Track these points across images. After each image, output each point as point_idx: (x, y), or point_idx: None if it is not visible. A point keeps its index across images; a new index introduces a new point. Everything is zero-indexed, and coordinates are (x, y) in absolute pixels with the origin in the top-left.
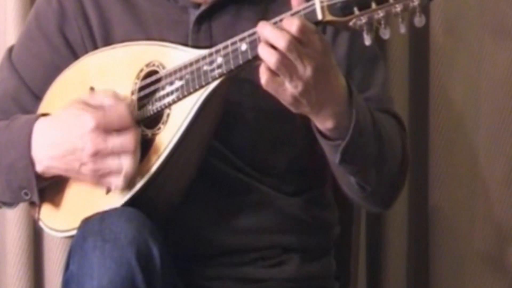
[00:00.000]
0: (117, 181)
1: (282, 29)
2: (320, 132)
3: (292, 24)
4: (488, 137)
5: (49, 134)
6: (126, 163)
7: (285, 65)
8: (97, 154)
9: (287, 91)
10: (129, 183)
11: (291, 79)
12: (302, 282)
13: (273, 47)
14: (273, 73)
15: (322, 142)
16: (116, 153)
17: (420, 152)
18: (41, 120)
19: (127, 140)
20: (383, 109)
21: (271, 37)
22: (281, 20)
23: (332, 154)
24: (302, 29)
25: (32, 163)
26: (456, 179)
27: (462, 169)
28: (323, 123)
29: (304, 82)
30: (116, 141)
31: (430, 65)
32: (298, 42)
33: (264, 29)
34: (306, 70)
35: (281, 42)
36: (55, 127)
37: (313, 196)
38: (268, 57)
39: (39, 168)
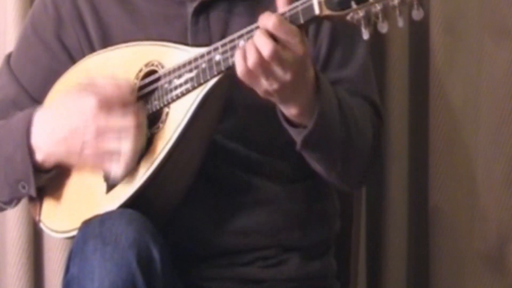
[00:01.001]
0: (117, 166)
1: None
2: (284, 117)
3: (268, 20)
4: (488, 137)
5: (50, 120)
6: (125, 145)
7: (263, 69)
8: (99, 131)
9: (262, 86)
10: (128, 173)
11: (267, 79)
12: (302, 282)
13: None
14: (249, 69)
15: (285, 126)
16: (118, 131)
17: (420, 152)
18: (40, 110)
19: (129, 114)
20: (357, 93)
21: (258, 42)
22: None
23: (295, 139)
24: (277, 26)
25: (30, 153)
26: (456, 180)
27: (462, 169)
28: (288, 110)
29: (281, 84)
30: (118, 118)
31: (430, 65)
32: (280, 45)
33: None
34: (285, 75)
35: (265, 50)
36: (56, 112)
37: (313, 185)
38: (249, 55)
39: (39, 156)
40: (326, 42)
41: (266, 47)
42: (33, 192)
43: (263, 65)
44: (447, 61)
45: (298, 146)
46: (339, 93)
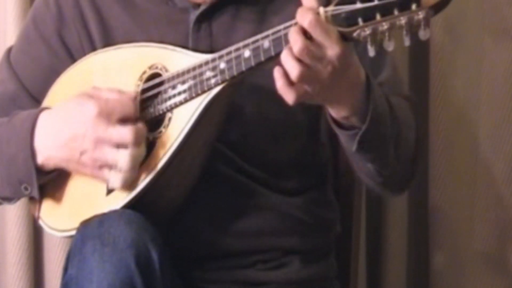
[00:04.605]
0: (115, 178)
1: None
2: (335, 121)
3: (304, 18)
4: (488, 137)
5: (52, 124)
6: (122, 157)
7: (302, 73)
8: (98, 142)
9: (308, 94)
10: (127, 184)
11: (309, 84)
12: (303, 284)
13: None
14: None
15: (337, 131)
16: (116, 143)
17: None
18: (45, 112)
19: (128, 131)
20: (396, 93)
21: (290, 38)
22: (285, 28)
23: (348, 143)
24: (313, 24)
25: (33, 155)
26: (456, 179)
27: (462, 169)
28: (338, 112)
29: (321, 84)
30: (117, 130)
31: (430, 65)
32: (312, 43)
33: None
34: (323, 74)
35: (295, 46)
36: (58, 117)
37: (314, 196)
38: (285, 59)
39: (39, 159)
40: None
41: (296, 43)
42: (35, 194)
43: (301, 69)
44: (447, 61)
45: (354, 148)
46: (385, 93)
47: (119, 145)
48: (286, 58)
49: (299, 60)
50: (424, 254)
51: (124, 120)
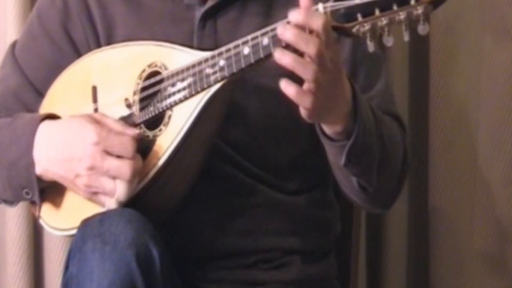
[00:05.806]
0: (110, 202)
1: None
2: (325, 136)
3: (317, 21)
4: (488, 137)
5: (51, 137)
6: (120, 188)
7: (311, 69)
8: (93, 170)
9: (316, 102)
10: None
11: (313, 83)
12: (303, 284)
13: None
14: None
15: (327, 144)
16: (111, 175)
17: (420, 152)
18: (46, 122)
19: (124, 167)
20: (384, 110)
21: (300, 42)
22: (288, 23)
23: (337, 156)
24: (326, 28)
25: (33, 163)
26: (456, 179)
27: (462, 169)
28: (332, 127)
29: (324, 85)
30: (114, 163)
31: (430, 65)
32: (323, 43)
33: (287, 33)
34: (328, 73)
35: (311, 47)
36: (58, 132)
37: (315, 196)
38: (297, 66)
39: (38, 169)
40: (348, 67)
41: (311, 44)
42: (37, 199)
43: (309, 66)
44: (447, 61)
45: (343, 161)
46: (371, 105)
47: (115, 177)
48: (298, 63)
49: (316, 61)
50: (424, 254)
51: (121, 154)
